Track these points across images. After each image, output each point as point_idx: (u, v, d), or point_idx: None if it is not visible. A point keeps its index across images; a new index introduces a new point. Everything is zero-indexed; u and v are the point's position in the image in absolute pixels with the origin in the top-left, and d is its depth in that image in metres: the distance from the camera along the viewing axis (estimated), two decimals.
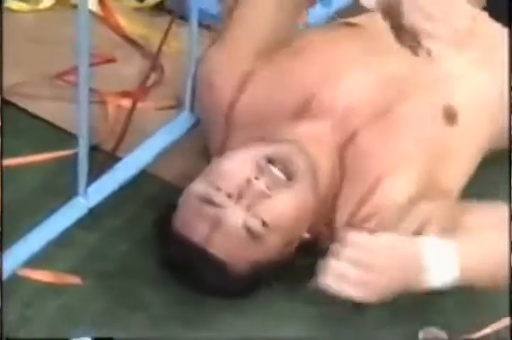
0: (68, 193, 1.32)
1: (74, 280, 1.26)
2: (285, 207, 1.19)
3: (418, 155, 1.23)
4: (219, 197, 1.18)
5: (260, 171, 1.20)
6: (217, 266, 1.18)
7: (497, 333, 1.22)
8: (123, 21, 1.72)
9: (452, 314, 1.26)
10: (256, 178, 1.19)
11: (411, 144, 1.25)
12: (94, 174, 1.35)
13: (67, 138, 1.41)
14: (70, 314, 1.22)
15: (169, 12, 1.66)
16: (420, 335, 1.22)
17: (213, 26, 1.60)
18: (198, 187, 1.21)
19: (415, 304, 1.27)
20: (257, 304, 1.24)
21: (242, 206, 1.17)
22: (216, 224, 1.17)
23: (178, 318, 1.23)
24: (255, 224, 1.17)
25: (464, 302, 1.28)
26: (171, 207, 1.23)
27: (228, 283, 1.20)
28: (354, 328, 1.24)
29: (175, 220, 1.21)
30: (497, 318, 1.23)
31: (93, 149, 1.39)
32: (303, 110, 1.27)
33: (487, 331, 1.22)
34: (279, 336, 1.23)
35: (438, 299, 1.27)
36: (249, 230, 1.17)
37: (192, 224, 1.19)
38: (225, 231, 1.17)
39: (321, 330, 1.24)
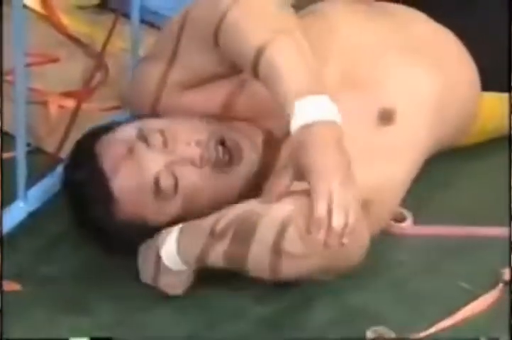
0: (8, 196, 1.30)
1: (15, 287, 1.25)
2: (205, 184, 1.22)
3: None
4: (154, 139, 1.21)
5: (207, 145, 1.22)
6: (107, 198, 1.21)
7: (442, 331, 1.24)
8: (66, 20, 1.74)
9: (399, 313, 1.27)
10: (198, 145, 1.22)
11: None
12: (36, 177, 1.34)
13: (8, 140, 1.37)
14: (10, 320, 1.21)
15: (113, 10, 1.67)
16: (368, 334, 1.23)
17: (156, 23, 1.63)
18: (143, 123, 1.24)
19: (362, 304, 1.28)
20: (199, 303, 1.25)
21: (167, 158, 1.20)
22: (134, 160, 1.20)
23: (124, 323, 1.23)
24: (165, 180, 1.20)
25: (409, 301, 1.29)
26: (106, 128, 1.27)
27: (106, 222, 1.22)
28: (302, 328, 1.24)
29: (100, 140, 1.24)
30: (443, 317, 1.25)
31: (37, 151, 1.41)
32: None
33: (433, 329, 1.23)
34: (224, 336, 1.23)
35: (385, 298, 1.29)
36: (156, 183, 1.20)
37: (112, 146, 1.23)
38: (136, 172, 1.20)
39: (269, 330, 1.24)
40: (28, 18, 1.36)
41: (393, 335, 1.22)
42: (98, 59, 1.56)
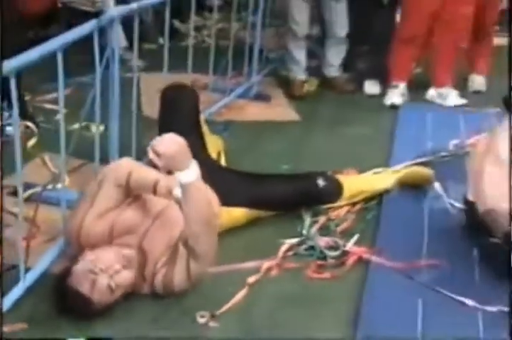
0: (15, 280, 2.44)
1: (22, 326, 2.33)
2: (126, 278, 2.43)
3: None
4: (97, 270, 2.38)
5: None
6: (86, 301, 2.38)
7: None
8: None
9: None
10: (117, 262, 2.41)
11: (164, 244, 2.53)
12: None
13: None
14: None
15: (35, 200, 2.81)
16: (198, 315, 2.37)
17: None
18: (85, 265, 2.40)
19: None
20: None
21: (108, 275, 2.37)
22: (93, 282, 2.39)
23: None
24: (113, 285, 2.37)
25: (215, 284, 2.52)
26: (67, 270, 2.43)
27: (87, 307, 2.37)
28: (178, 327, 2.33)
29: (70, 279, 2.39)
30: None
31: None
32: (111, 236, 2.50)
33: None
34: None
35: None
36: (109, 287, 2.37)
37: (80, 282, 2.38)
38: (97, 286, 2.37)
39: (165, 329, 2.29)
40: None
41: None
42: (32, 224, 2.71)
